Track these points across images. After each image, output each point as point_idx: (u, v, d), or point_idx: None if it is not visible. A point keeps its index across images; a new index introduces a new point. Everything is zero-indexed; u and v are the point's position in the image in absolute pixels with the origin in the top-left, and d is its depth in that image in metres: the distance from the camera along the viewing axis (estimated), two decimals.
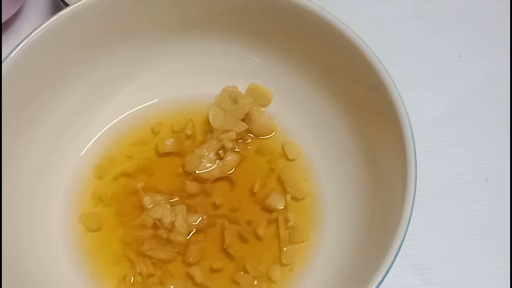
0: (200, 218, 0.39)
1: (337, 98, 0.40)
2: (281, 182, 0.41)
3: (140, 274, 0.38)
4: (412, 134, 0.33)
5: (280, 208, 0.40)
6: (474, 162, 0.44)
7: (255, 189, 0.40)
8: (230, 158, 0.41)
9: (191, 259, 0.38)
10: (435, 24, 0.49)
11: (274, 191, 0.40)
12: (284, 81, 0.42)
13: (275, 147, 0.42)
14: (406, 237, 0.31)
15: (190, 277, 0.38)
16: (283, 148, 0.42)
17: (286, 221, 0.39)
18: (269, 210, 0.40)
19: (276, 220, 0.39)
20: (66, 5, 0.41)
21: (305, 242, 0.39)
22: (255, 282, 0.38)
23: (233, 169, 0.41)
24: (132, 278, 0.38)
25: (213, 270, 0.38)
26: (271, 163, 0.42)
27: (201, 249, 0.39)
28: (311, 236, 0.39)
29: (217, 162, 0.41)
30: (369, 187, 0.38)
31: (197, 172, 0.41)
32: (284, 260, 0.38)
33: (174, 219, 0.39)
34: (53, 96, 0.39)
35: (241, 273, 0.38)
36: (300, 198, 0.40)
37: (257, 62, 0.43)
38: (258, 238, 0.39)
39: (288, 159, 0.42)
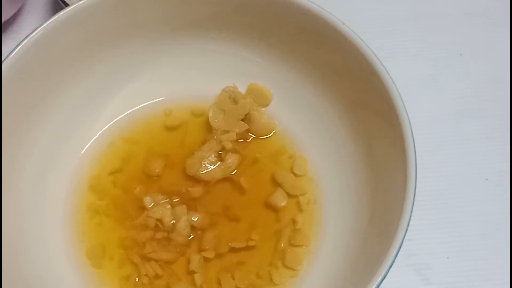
0: (201, 218, 0.39)
1: (337, 98, 0.40)
2: (278, 182, 0.41)
3: (146, 275, 0.38)
4: (412, 134, 0.33)
5: (282, 205, 0.40)
6: (474, 162, 0.44)
7: (244, 185, 0.40)
8: (231, 159, 0.41)
9: (204, 246, 0.39)
10: (435, 24, 0.49)
11: (277, 190, 0.40)
12: (284, 81, 0.42)
13: (275, 147, 0.42)
14: (406, 237, 0.31)
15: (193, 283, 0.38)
16: (282, 148, 0.42)
17: (293, 222, 0.39)
18: (272, 208, 0.40)
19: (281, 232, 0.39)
20: (66, 5, 0.41)
21: (305, 242, 0.39)
22: None
23: (235, 170, 0.41)
24: (137, 279, 0.38)
25: (206, 259, 0.38)
26: (271, 162, 0.42)
27: (215, 236, 0.39)
28: (311, 236, 0.39)
29: (218, 164, 0.41)
30: (369, 187, 0.38)
31: (198, 173, 0.40)
32: (286, 260, 0.38)
33: (174, 219, 0.39)
34: (53, 95, 0.39)
35: (228, 275, 0.38)
36: (298, 194, 0.40)
37: (257, 62, 0.43)
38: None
39: (288, 157, 0.42)
